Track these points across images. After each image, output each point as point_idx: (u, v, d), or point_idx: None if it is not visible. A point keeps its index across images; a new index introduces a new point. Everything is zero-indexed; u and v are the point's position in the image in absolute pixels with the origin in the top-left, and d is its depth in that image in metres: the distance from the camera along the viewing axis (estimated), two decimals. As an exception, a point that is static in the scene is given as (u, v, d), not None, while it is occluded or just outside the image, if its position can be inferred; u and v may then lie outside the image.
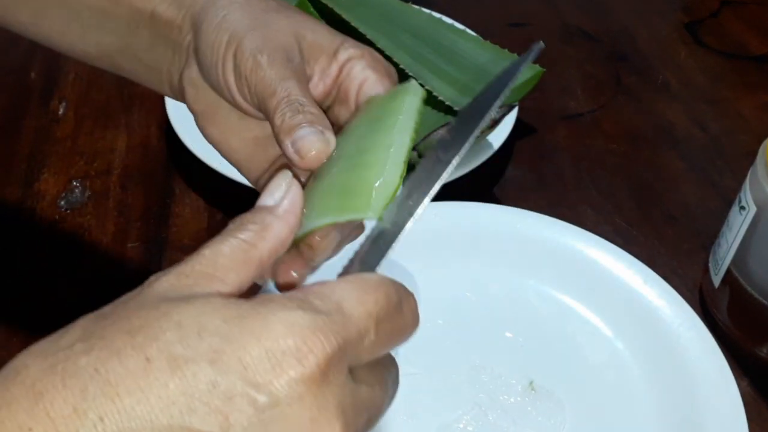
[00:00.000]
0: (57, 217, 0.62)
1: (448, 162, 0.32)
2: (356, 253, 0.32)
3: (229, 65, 0.35)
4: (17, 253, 0.60)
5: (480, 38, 0.73)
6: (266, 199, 0.31)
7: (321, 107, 0.35)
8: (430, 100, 0.67)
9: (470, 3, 0.89)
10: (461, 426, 0.48)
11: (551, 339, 0.53)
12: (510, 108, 0.62)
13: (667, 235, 0.63)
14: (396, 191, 0.32)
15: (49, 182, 0.65)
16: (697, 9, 0.91)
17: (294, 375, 0.24)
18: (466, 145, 0.33)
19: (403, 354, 0.50)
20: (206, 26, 0.36)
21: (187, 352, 0.24)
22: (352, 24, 0.71)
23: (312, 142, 0.33)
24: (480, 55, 0.70)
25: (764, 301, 0.50)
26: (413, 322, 0.29)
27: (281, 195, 0.30)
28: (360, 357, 0.26)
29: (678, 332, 0.52)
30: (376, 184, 0.31)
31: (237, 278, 0.27)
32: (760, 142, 0.50)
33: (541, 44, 0.35)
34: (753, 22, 0.88)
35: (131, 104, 0.73)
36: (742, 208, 0.50)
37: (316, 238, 0.33)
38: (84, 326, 0.26)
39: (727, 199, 0.65)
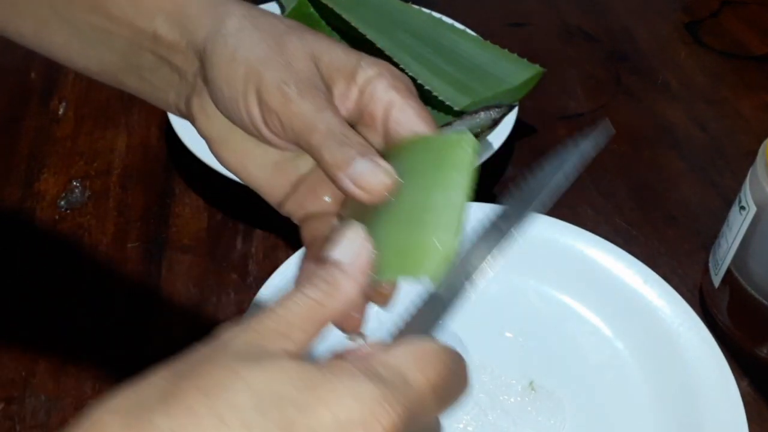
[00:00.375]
0: (57, 217, 0.62)
1: (506, 232, 0.33)
2: (410, 315, 0.32)
3: (252, 99, 0.34)
4: (17, 253, 0.60)
5: (480, 38, 0.73)
6: (336, 253, 0.30)
7: None
8: (431, 100, 0.67)
9: (470, 3, 0.89)
10: (461, 426, 0.48)
11: (551, 339, 0.53)
12: (510, 108, 0.62)
13: (667, 235, 0.63)
14: (454, 255, 0.31)
15: (49, 182, 0.65)
16: (698, 9, 0.91)
17: None
18: (525, 218, 0.34)
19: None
20: (217, 59, 0.35)
21: (261, 420, 0.24)
22: (352, 24, 0.71)
23: (375, 175, 0.32)
24: (480, 55, 0.71)
25: (764, 301, 0.50)
26: (465, 386, 0.30)
27: (353, 252, 0.30)
28: (418, 422, 0.27)
29: (678, 332, 0.52)
30: (435, 247, 0.31)
31: (304, 337, 0.28)
32: (760, 142, 0.50)
33: (607, 121, 0.35)
34: (753, 22, 0.88)
35: (131, 104, 0.73)
36: (742, 208, 0.50)
37: (385, 286, 0.34)
38: (160, 384, 0.27)
39: (727, 199, 0.65)
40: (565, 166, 0.34)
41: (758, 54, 0.84)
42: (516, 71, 0.68)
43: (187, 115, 0.38)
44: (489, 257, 0.32)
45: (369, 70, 0.35)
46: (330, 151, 0.32)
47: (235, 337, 0.27)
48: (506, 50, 0.70)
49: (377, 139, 0.36)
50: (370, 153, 0.33)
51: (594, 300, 0.55)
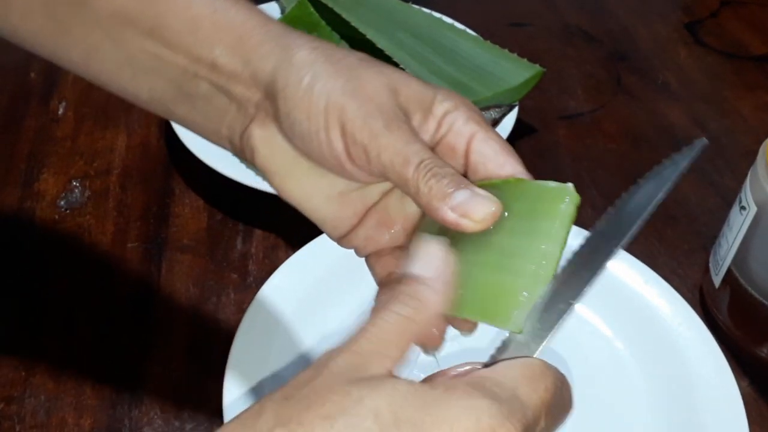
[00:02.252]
0: (57, 217, 0.62)
1: (589, 280, 0.33)
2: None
3: (336, 133, 0.33)
4: (17, 253, 0.60)
5: (480, 38, 0.73)
6: (419, 268, 0.30)
7: None
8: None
9: (470, 3, 0.89)
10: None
11: (551, 339, 0.53)
12: (510, 108, 0.62)
13: (667, 235, 0.63)
14: (536, 303, 0.32)
15: (48, 182, 0.65)
16: (697, 9, 0.91)
17: None
18: (606, 263, 0.34)
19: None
20: (292, 91, 0.34)
21: None
22: (352, 24, 0.71)
23: (480, 203, 0.31)
24: (480, 55, 0.71)
25: (765, 301, 0.50)
26: (571, 406, 0.30)
27: (436, 266, 0.30)
28: None
29: (678, 332, 0.52)
30: (522, 298, 0.31)
31: (399, 353, 0.28)
32: (760, 142, 0.50)
33: (704, 141, 0.34)
34: (753, 22, 0.88)
35: (131, 104, 0.72)
36: (743, 208, 0.50)
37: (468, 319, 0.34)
38: (276, 410, 0.26)
39: (728, 199, 0.65)
40: (663, 186, 0.34)
41: (758, 54, 0.84)
42: (516, 71, 0.68)
43: (242, 148, 0.37)
44: (582, 292, 0.33)
45: (446, 102, 0.35)
46: (428, 184, 0.32)
47: (341, 360, 0.27)
48: (506, 50, 0.70)
49: (458, 168, 0.35)
50: (465, 183, 0.32)
51: (594, 299, 0.55)
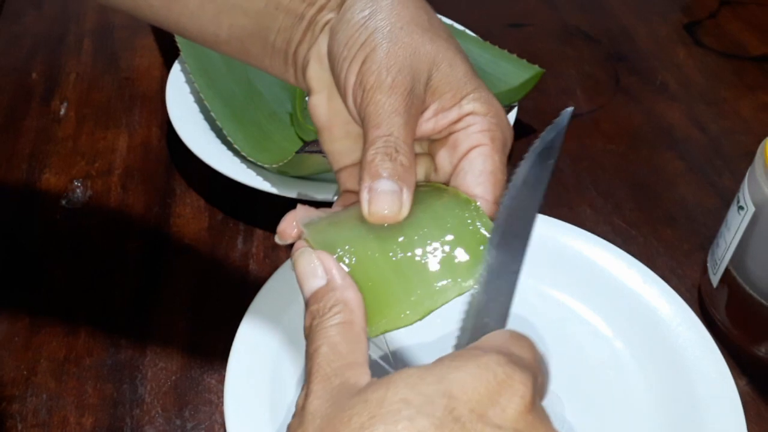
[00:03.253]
0: (58, 216, 0.62)
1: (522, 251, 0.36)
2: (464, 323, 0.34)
3: (355, 68, 0.34)
4: (18, 253, 0.60)
5: (479, 39, 0.73)
6: (314, 282, 0.32)
7: (422, 139, 0.36)
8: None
9: (470, 4, 0.89)
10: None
11: (550, 339, 0.53)
12: (509, 108, 0.62)
13: (666, 235, 0.63)
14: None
15: (50, 182, 0.65)
16: (696, 9, 0.91)
17: (519, 405, 0.26)
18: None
19: (401, 354, 0.50)
20: (350, 15, 0.35)
21: (432, 420, 0.25)
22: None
23: (386, 203, 0.32)
24: (479, 55, 0.71)
25: (762, 301, 0.51)
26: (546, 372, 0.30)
27: (324, 272, 0.32)
28: (540, 395, 0.29)
29: (677, 332, 0.52)
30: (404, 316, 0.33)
31: (362, 355, 0.29)
32: (758, 143, 0.50)
33: (570, 109, 0.37)
34: (752, 23, 0.89)
35: (132, 104, 0.73)
36: (741, 208, 0.50)
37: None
38: None
39: (726, 199, 0.66)
40: (547, 158, 0.36)
41: (757, 54, 0.84)
42: (515, 72, 0.68)
43: (302, 68, 0.38)
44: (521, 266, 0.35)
45: (478, 103, 0.35)
46: (374, 154, 0.33)
47: (320, 397, 0.27)
48: (506, 51, 0.70)
49: (445, 160, 0.36)
50: (405, 179, 0.33)
51: (593, 300, 0.55)
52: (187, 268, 0.59)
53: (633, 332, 0.53)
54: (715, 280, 0.54)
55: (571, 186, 0.67)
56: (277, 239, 0.37)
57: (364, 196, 0.33)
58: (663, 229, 0.64)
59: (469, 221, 0.34)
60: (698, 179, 0.69)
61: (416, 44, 0.35)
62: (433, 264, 0.33)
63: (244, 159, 0.62)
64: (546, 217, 0.59)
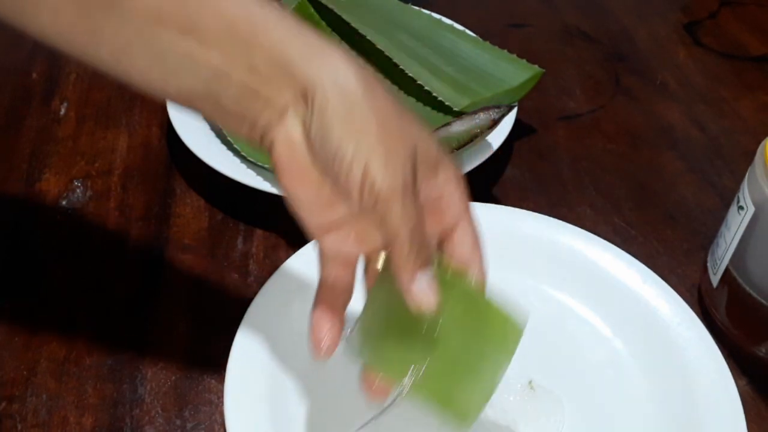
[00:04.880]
0: (58, 216, 0.62)
1: None
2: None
3: (358, 169, 0.35)
4: (19, 253, 0.60)
5: (479, 39, 0.73)
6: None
7: None
8: (430, 101, 0.67)
9: (470, 4, 0.89)
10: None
11: (550, 338, 0.54)
12: (509, 108, 0.62)
13: (665, 234, 0.63)
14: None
15: (50, 182, 0.65)
16: (696, 10, 0.91)
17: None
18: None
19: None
20: (330, 114, 0.35)
21: None
22: (353, 25, 0.71)
23: (429, 296, 0.37)
24: (479, 55, 0.71)
25: (762, 301, 0.51)
26: None
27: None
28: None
29: (677, 332, 0.52)
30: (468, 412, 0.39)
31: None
32: (758, 143, 0.50)
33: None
34: (752, 23, 0.89)
35: (132, 104, 0.73)
36: (741, 208, 0.50)
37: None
38: None
39: (726, 199, 0.66)
40: None
41: (757, 55, 0.84)
42: (515, 72, 0.68)
43: (260, 141, 0.38)
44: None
45: (449, 172, 0.38)
46: (407, 255, 0.36)
47: None
48: (505, 51, 0.70)
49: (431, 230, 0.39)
50: (430, 267, 0.37)
51: (593, 299, 0.55)
52: (187, 268, 0.59)
53: (633, 332, 0.53)
54: (715, 280, 0.54)
55: (570, 186, 0.67)
56: (318, 356, 0.41)
57: (410, 292, 0.37)
58: (663, 229, 0.64)
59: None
60: (698, 179, 0.69)
61: (398, 136, 0.36)
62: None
63: (244, 159, 0.62)
64: (546, 216, 0.59)
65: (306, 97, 0.36)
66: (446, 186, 0.38)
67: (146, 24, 0.36)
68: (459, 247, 0.39)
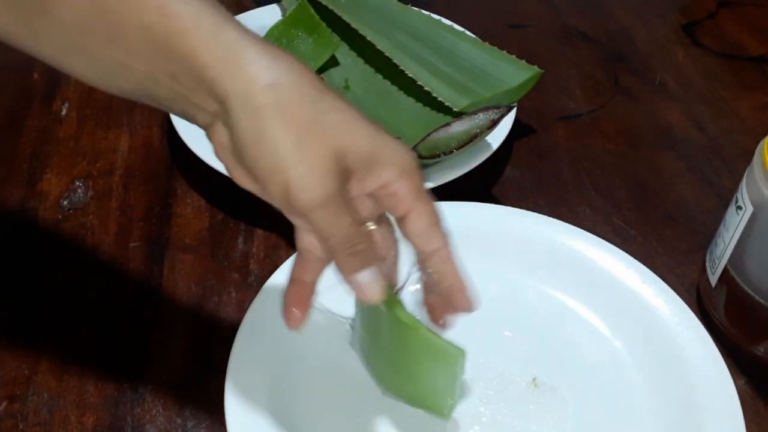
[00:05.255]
0: (59, 216, 0.63)
1: None
2: None
3: (277, 190, 0.35)
4: (20, 253, 0.60)
5: (479, 40, 0.74)
6: None
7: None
8: (430, 101, 0.68)
9: (469, 4, 0.89)
10: (470, 414, 0.49)
11: (550, 338, 0.54)
12: (509, 108, 0.63)
13: (664, 234, 0.63)
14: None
15: (51, 182, 0.65)
16: (695, 10, 0.91)
17: None
18: None
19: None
20: (243, 130, 0.35)
21: None
22: (353, 26, 0.72)
23: (374, 287, 0.39)
24: (479, 56, 0.71)
25: (761, 300, 0.51)
26: None
27: None
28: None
29: (676, 331, 0.52)
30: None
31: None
32: (757, 143, 0.50)
33: None
34: (750, 23, 0.89)
35: (133, 105, 0.73)
36: (739, 207, 0.50)
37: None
38: None
39: (725, 198, 0.66)
40: None
41: (755, 55, 0.84)
42: (515, 72, 0.68)
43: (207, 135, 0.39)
44: None
45: (393, 168, 0.38)
46: (342, 259, 0.38)
47: None
48: (505, 51, 0.70)
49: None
50: (372, 261, 0.38)
51: (592, 299, 0.55)
52: (188, 268, 0.59)
53: (632, 332, 0.53)
54: (713, 279, 0.54)
55: (570, 186, 0.68)
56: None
57: (355, 288, 0.39)
58: (662, 229, 0.64)
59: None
60: (697, 179, 0.69)
61: (318, 146, 0.35)
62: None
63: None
64: (545, 216, 0.59)
65: (225, 111, 0.36)
66: (390, 176, 0.38)
67: (75, 33, 0.36)
68: (414, 231, 0.39)
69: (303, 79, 0.36)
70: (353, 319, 0.48)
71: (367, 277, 0.38)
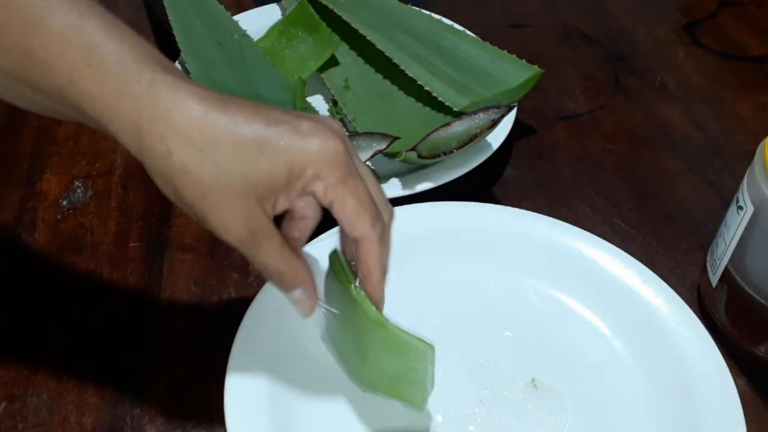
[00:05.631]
0: (59, 216, 0.62)
1: None
2: None
3: (213, 229, 0.39)
4: (19, 253, 0.60)
5: (479, 39, 0.73)
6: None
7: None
8: (430, 101, 0.68)
9: (470, 5, 0.89)
10: (467, 413, 0.49)
11: (550, 338, 0.54)
12: (509, 108, 0.63)
13: (665, 234, 0.63)
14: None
15: (51, 182, 0.65)
16: (695, 10, 0.91)
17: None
18: None
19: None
20: (159, 183, 0.39)
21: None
22: (353, 26, 0.72)
23: (305, 305, 0.44)
24: (479, 56, 0.71)
25: (762, 300, 0.51)
26: None
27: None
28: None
29: (676, 331, 0.52)
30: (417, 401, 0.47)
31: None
32: (757, 143, 0.50)
33: None
34: (751, 23, 0.89)
35: (132, 105, 0.73)
36: (740, 208, 0.50)
37: None
38: None
39: (725, 199, 0.66)
40: None
41: (756, 55, 0.84)
42: (515, 72, 0.68)
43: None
44: None
45: (309, 170, 0.38)
46: (278, 284, 0.42)
47: None
48: (505, 51, 0.70)
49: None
50: (299, 281, 0.42)
51: (592, 299, 0.55)
52: (188, 268, 0.59)
53: (632, 332, 0.53)
54: (714, 279, 0.54)
55: (570, 186, 0.68)
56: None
57: (291, 301, 0.43)
58: (662, 229, 0.64)
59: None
60: (697, 179, 0.69)
61: (227, 194, 0.37)
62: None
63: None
64: (545, 216, 0.59)
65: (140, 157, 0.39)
66: (305, 182, 0.39)
67: (4, 79, 0.37)
68: (340, 217, 0.40)
69: (200, 133, 0.37)
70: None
71: (297, 295, 0.42)
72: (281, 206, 0.39)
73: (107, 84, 0.36)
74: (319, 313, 0.47)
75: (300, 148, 0.37)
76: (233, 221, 0.37)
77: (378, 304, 0.43)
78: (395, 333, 0.43)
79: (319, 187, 0.38)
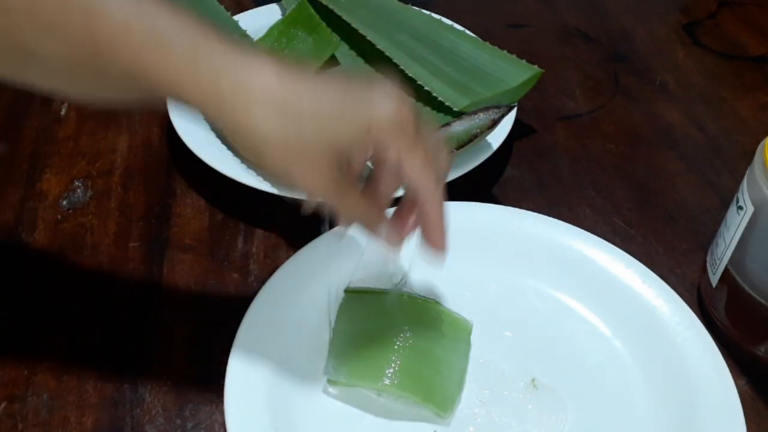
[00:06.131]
0: (59, 216, 0.62)
1: None
2: None
3: (296, 184, 0.41)
4: (19, 253, 0.60)
5: (479, 39, 0.74)
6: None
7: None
8: (430, 101, 0.68)
9: (470, 4, 0.89)
10: (467, 414, 0.49)
11: (550, 338, 0.54)
12: (509, 108, 0.63)
13: (665, 234, 0.63)
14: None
15: (51, 182, 0.65)
16: (696, 10, 0.91)
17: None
18: None
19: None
20: (243, 149, 0.41)
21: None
22: (353, 26, 0.72)
23: (396, 237, 0.46)
24: (479, 56, 0.71)
25: (762, 300, 0.51)
26: None
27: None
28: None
29: (676, 331, 0.52)
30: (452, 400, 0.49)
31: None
32: (757, 143, 0.50)
33: None
34: (751, 23, 0.89)
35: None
36: (740, 208, 0.50)
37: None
38: None
39: (725, 199, 0.66)
40: None
41: (756, 55, 0.84)
42: (515, 72, 0.68)
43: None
44: None
45: (381, 134, 0.40)
46: (365, 226, 0.45)
47: None
48: (505, 51, 0.70)
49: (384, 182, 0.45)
50: (397, 237, 0.45)
51: (592, 299, 0.55)
52: (188, 268, 0.59)
53: (632, 332, 0.53)
54: (714, 279, 0.54)
55: (570, 186, 0.68)
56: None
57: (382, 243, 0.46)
58: (662, 229, 0.64)
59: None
60: (697, 179, 0.69)
61: (314, 145, 0.39)
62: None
63: (244, 159, 0.62)
64: (545, 216, 0.59)
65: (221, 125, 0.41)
66: (376, 148, 0.41)
67: (66, 71, 0.38)
68: (407, 173, 0.42)
69: (282, 102, 0.38)
70: (327, 362, 0.51)
71: (384, 232, 0.45)
72: (358, 165, 0.44)
73: (179, 58, 0.37)
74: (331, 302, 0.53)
75: (373, 114, 0.40)
76: (319, 180, 0.40)
77: (441, 256, 0.45)
78: (439, 309, 0.51)
79: (390, 149, 0.41)
